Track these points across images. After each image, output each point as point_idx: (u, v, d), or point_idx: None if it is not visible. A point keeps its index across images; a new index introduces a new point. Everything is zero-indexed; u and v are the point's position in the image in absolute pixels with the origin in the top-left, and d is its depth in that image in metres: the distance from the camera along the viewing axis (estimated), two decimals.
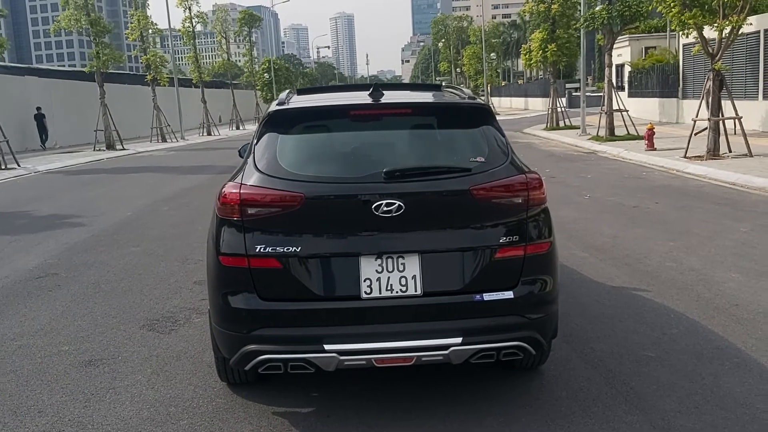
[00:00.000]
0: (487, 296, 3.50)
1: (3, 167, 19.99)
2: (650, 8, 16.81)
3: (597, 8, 21.29)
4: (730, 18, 14.03)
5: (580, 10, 24.01)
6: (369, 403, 3.95)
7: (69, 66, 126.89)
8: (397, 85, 5.41)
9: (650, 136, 17.41)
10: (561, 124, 28.36)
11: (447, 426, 3.65)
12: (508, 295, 3.53)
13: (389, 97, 4.01)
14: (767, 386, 3.99)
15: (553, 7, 26.45)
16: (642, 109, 29.77)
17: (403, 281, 3.46)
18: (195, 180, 15.98)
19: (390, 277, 3.46)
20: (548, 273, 3.69)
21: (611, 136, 21.21)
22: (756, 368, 4.25)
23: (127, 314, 5.77)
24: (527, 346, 3.56)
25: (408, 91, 4.94)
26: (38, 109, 30.11)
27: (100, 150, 27.75)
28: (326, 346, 3.42)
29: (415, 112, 3.99)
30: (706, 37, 15.00)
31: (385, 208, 3.41)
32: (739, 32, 14.51)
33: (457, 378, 4.22)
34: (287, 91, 4.70)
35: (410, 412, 3.83)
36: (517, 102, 60.81)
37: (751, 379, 4.10)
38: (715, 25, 14.24)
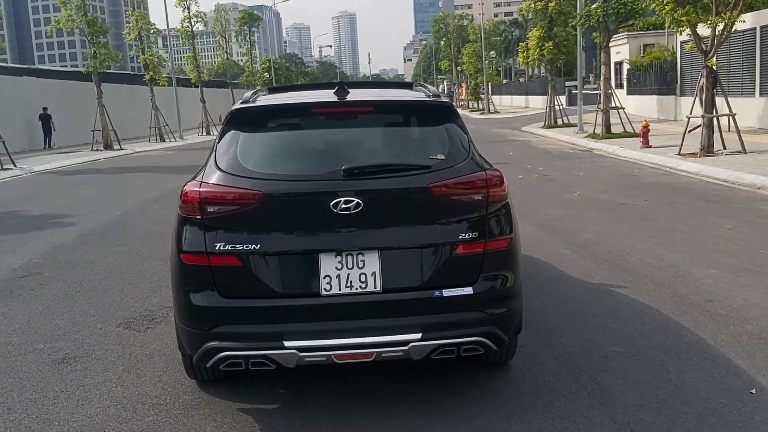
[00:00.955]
0: (447, 292, 3.52)
1: None
2: (644, 6, 16.77)
3: (593, 6, 21.27)
4: (722, 15, 14.01)
5: (577, 8, 23.98)
6: (333, 401, 3.96)
7: (71, 66, 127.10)
8: (365, 83, 5.43)
9: (645, 133, 17.40)
10: (559, 122, 28.34)
11: (409, 422, 3.66)
12: (468, 291, 3.54)
13: (354, 95, 4.03)
14: (732, 381, 4.01)
15: (550, 5, 26.43)
16: (641, 107, 29.74)
17: (363, 278, 3.48)
18: (188, 179, 15.99)
19: (350, 273, 3.48)
20: (509, 269, 3.70)
21: (608, 133, 21.20)
22: (723, 363, 4.26)
23: (106, 312, 5.80)
24: (487, 342, 3.58)
25: (374, 89, 4.96)
26: (44, 109, 30.37)
27: (97, 150, 27.81)
28: (286, 343, 3.44)
29: (378, 110, 4.00)
30: (700, 34, 15.00)
31: (343, 206, 3.43)
32: (732, 29, 14.49)
33: (423, 375, 4.24)
34: (257, 89, 4.72)
35: (373, 408, 3.85)
36: (518, 100, 60.75)
37: (717, 374, 4.11)
38: (708, 22, 14.24)
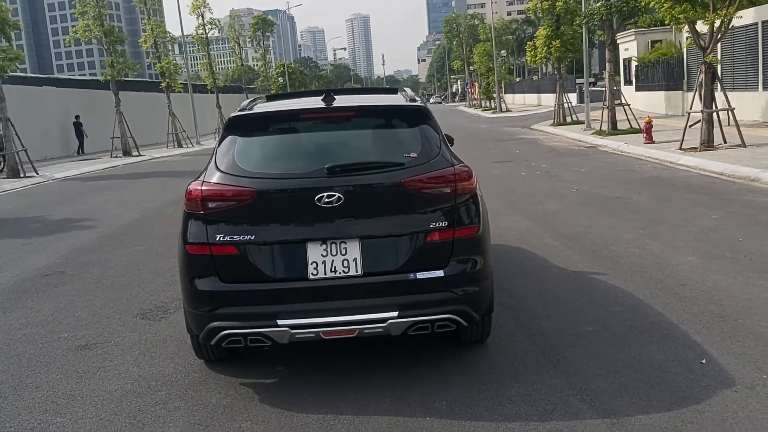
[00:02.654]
0: (420, 275, 3.97)
1: (22, 175, 20.75)
2: (643, 4, 17.09)
3: (596, 4, 21.59)
4: (719, 12, 14.32)
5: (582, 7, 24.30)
6: (324, 375, 4.43)
7: (89, 74, 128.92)
8: (351, 90, 5.90)
9: (648, 129, 17.73)
10: (568, 119, 28.65)
11: (391, 389, 4.12)
12: (439, 273, 3.99)
13: (339, 101, 4.50)
14: (686, 353, 4.41)
15: (557, 4, 26.79)
16: (649, 103, 29.98)
17: (346, 263, 3.95)
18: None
19: (334, 260, 3.95)
20: (477, 254, 4.14)
21: (614, 130, 21.51)
22: (681, 339, 4.67)
23: (124, 305, 6.32)
24: (458, 319, 4.03)
25: (359, 96, 5.43)
26: (77, 117, 32.03)
27: (116, 157, 28.56)
28: (279, 322, 3.91)
29: (359, 115, 4.48)
30: (699, 30, 15.31)
31: (326, 200, 3.90)
32: (730, 26, 14.79)
33: (405, 353, 4.70)
34: (255, 97, 5.21)
35: (359, 380, 4.30)
36: (530, 98, 60.99)
37: (674, 347, 4.52)
38: (706, 18, 14.54)
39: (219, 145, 4.30)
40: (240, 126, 4.34)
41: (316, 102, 4.54)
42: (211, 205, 4.00)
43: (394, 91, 5.35)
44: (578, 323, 5.10)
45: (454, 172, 4.10)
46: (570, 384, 4.07)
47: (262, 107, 4.78)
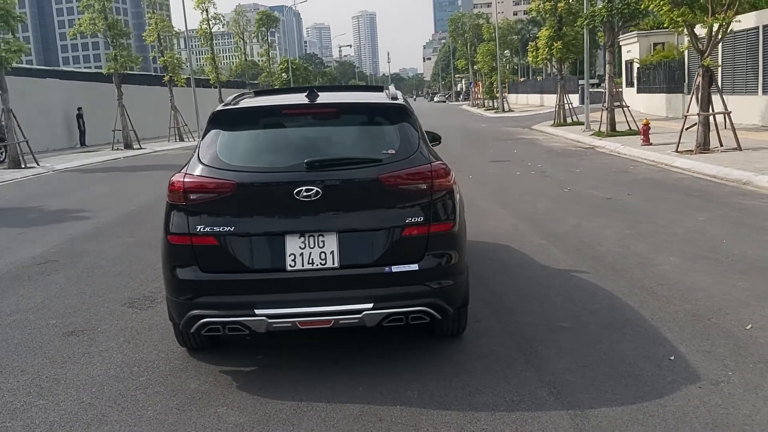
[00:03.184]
0: (396, 268, 4.08)
1: (23, 166, 20.89)
2: (644, 6, 17.16)
3: (598, 6, 21.66)
4: (717, 15, 14.38)
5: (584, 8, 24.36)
6: (301, 363, 4.53)
7: (95, 67, 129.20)
8: (335, 87, 6.00)
9: (646, 131, 17.82)
10: (569, 120, 28.72)
11: (365, 378, 4.22)
12: (414, 267, 4.09)
13: (322, 98, 4.61)
14: (656, 350, 4.51)
15: (559, 5, 26.86)
16: (650, 105, 30.04)
17: (323, 256, 4.05)
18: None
19: (311, 252, 4.05)
20: (452, 248, 4.24)
21: (612, 131, 21.59)
22: (653, 336, 4.76)
23: (113, 294, 6.43)
24: (432, 312, 4.13)
25: (343, 93, 5.54)
26: (79, 109, 32.25)
27: (118, 149, 28.70)
28: (257, 311, 4.02)
29: (341, 111, 4.58)
30: (698, 34, 15.37)
31: (305, 194, 4.00)
32: (729, 30, 14.85)
33: (381, 344, 4.80)
34: (242, 92, 5.32)
35: (335, 369, 4.41)
36: (533, 98, 60.99)
37: (645, 344, 4.62)
38: (704, 22, 14.61)
39: (203, 139, 4.41)
40: (223, 120, 4.45)
41: (299, 98, 4.64)
42: (192, 196, 4.10)
43: (379, 88, 5.46)
44: (555, 319, 5.20)
45: (431, 169, 4.19)
46: (539, 377, 4.17)
47: (247, 102, 4.89)
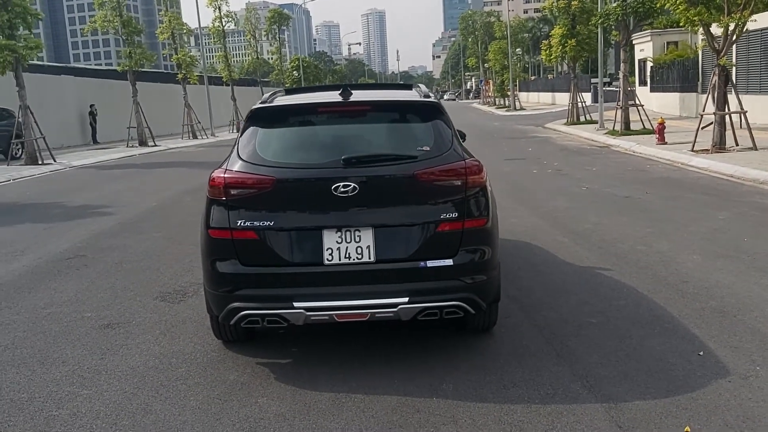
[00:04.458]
0: (431, 263, 4.17)
1: (40, 162, 21.09)
2: (659, 5, 17.17)
3: (612, 5, 21.66)
4: (733, 15, 14.39)
5: (598, 6, 24.36)
6: (336, 356, 4.64)
7: (105, 64, 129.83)
8: (368, 85, 6.11)
9: (661, 130, 17.81)
10: (582, 119, 28.70)
11: (400, 371, 4.32)
12: (448, 262, 4.18)
13: (356, 96, 4.70)
14: (685, 346, 4.59)
15: (573, 3, 26.85)
16: (664, 104, 29.98)
17: (359, 250, 4.15)
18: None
19: (348, 246, 4.15)
20: (486, 244, 4.32)
21: (626, 130, 21.59)
22: (681, 332, 4.84)
23: (144, 288, 6.55)
24: (466, 306, 4.22)
25: (375, 91, 5.63)
26: (91, 106, 32.54)
27: (132, 146, 28.90)
28: (295, 304, 4.12)
29: (375, 109, 4.68)
30: (713, 33, 15.38)
31: (342, 189, 4.10)
32: (744, 29, 14.85)
33: (413, 339, 4.89)
34: (275, 90, 5.42)
35: (368, 362, 4.51)
36: (545, 97, 60.93)
37: (674, 340, 4.70)
38: (720, 21, 14.62)
39: (241, 136, 4.51)
40: (261, 117, 4.55)
41: (333, 96, 4.74)
42: (233, 192, 4.21)
43: (408, 86, 5.55)
44: (582, 315, 5.27)
45: (465, 166, 4.28)
46: (572, 371, 4.25)
47: (282, 100, 4.99)
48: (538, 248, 7.50)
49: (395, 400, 3.96)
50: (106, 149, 28.28)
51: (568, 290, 5.93)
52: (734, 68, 20.48)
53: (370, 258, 4.14)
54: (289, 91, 5.47)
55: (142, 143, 29.54)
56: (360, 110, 4.65)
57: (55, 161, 21.55)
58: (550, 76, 73.34)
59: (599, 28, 23.61)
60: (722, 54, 14.97)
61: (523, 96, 62.64)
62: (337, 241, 4.14)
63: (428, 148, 4.32)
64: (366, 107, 4.69)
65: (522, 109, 49.39)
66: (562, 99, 48.02)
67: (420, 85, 5.46)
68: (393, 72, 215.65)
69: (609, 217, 9.05)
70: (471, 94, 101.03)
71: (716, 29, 15.30)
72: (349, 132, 4.63)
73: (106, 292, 6.47)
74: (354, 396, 4.03)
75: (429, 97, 4.85)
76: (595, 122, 25.84)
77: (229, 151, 4.54)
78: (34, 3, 22.23)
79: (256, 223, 4.16)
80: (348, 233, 4.15)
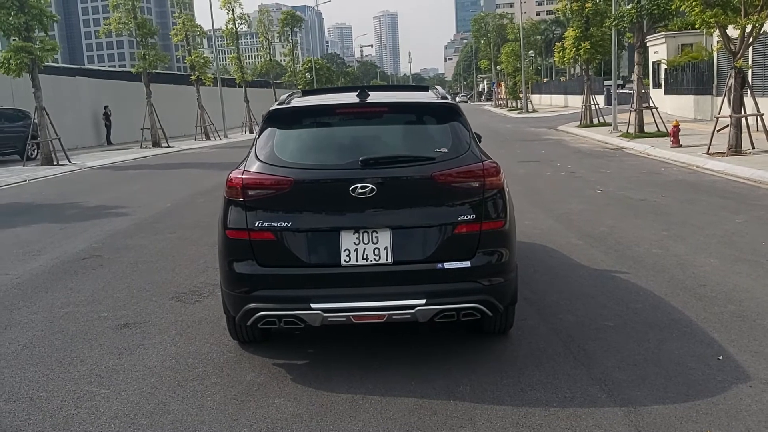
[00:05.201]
0: (448, 265, 4.16)
1: (55, 163, 21.24)
2: (675, 7, 17.07)
3: (626, 7, 21.56)
4: (750, 17, 14.28)
5: (612, 9, 24.25)
6: (353, 358, 4.63)
7: (119, 66, 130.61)
8: (385, 87, 6.11)
9: (675, 133, 17.70)
10: (595, 121, 28.57)
11: (417, 372, 4.31)
12: (466, 264, 4.17)
13: (373, 97, 4.70)
14: (704, 350, 4.55)
15: (586, 5, 26.75)
16: (678, 106, 29.81)
17: (377, 251, 4.14)
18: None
19: (365, 248, 4.14)
20: (503, 246, 4.31)
21: (640, 133, 21.46)
22: (700, 336, 4.80)
23: (159, 288, 6.58)
24: (483, 308, 4.20)
25: (392, 92, 5.63)
26: (105, 107, 32.76)
27: (146, 147, 29.04)
28: (312, 305, 4.12)
29: (392, 110, 4.68)
30: (729, 35, 15.27)
31: (360, 191, 4.09)
32: (762, 30, 14.73)
33: (430, 341, 4.89)
34: (292, 92, 5.43)
35: (385, 364, 4.50)
36: (557, 99, 60.71)
37: (692, 344, 4.66)
38: (737, 23, 14.51)
39: (259, 137, 4.51)
40: (279, 119, 4.55)
41: (350, 97, 4.74)
42: (250, 192, 4.21)
43: (425, 88, 5.54)
44: (600, 318, 5.24)
45: (483, 168, 4.27)
46: (590, 374, 4.23)
47: (300, 101, 4.99)
48: (553, 251, 7.46)
49: (412, 402, 3.95)
50: (120, 150, 28.44)
51: (585, 293, 5.90)
52: (750, 70, 20.33)
53: (387, 259, 4.13)
54: (306, 93, 5.48)
55: (156, 144, 29.67)
56: (377, 111, 4.65)
57: (70, 162, 21.68)
58: (562, 79, 73.08)
59: (613, 30, 23.50)
60: (738, 56, 14.86)
61: (535, 98, 62.44)
62: (354, 243, 4.14)
63: (446, 150, 4.31)
64: (383, 108, 4.69)
65: (534, 111, 49.24)
66: (575, 101, 47.87)
67: (437, 86, 5.45)
68: (405, 74, 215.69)
69: (624, 220, 8.99)
70: (483, 97, 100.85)
71: (732, 31, 15.20)
72: (367, 133, 4.62)
73: (122, 292, 6.50)
74: (371, 397, 4.02)
75: (446, 98, 4.84)
76: (609, 125, 25.73)
77: (243, 152, 4.54)
78: (49, 5, 22.32)
79: (274, 224, 4.16)
80: (365, 234, 4.14)
